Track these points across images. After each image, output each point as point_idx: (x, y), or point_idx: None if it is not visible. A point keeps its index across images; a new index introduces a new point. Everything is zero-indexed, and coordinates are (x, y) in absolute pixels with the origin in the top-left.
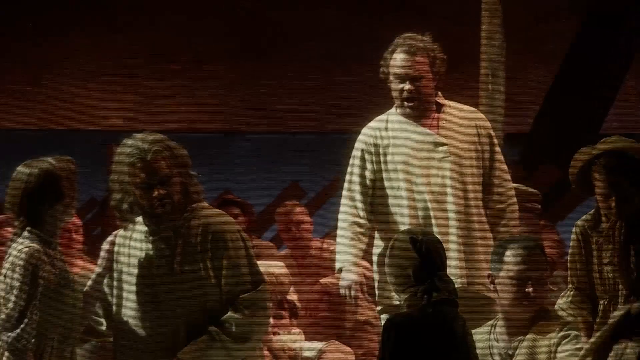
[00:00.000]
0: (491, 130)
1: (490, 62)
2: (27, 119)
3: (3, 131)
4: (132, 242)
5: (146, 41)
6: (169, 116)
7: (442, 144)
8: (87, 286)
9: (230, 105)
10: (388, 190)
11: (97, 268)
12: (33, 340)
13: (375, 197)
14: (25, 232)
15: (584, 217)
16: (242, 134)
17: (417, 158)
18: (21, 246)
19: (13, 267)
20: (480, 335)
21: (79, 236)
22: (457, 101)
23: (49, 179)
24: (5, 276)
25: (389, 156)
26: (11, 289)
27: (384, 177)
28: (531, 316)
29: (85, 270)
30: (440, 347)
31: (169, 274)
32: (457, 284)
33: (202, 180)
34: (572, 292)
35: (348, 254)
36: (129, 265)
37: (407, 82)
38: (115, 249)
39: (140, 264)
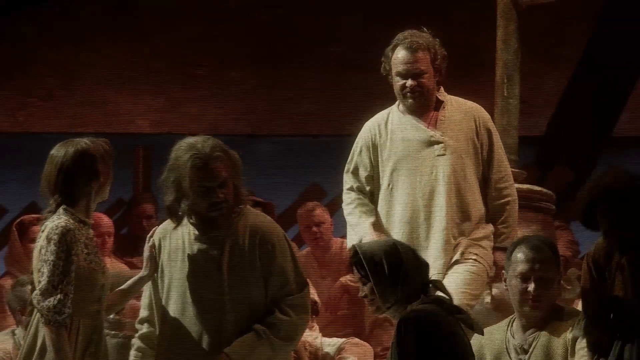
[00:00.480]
0: (491, 126)
1: (506, 67)
2: (57, 122)
3: (34, 135)
4: (174, 241)
5: (172, 47)
6: (194, 119)
7: (438, 142)
8: (126, 285)
9: (253, 108)
10: (382, 187)
11: (142, 271)
12: (69, 315)
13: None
14: (60, 209)
15: (594, 246)
16: (265, 137)
17: (411, 156)
18: (57, 221)
19: (48, 240)
20: (498, 331)
21: (110, 241)
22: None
23: (84, 158)
24: (40, 248)
25: (385, 153)
26: (45, 261)
27: (380, 173)
28: (543, 314)
29: (112, 268)
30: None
31: (216, 273)
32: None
33: None
34: (584, 321)
35: (363, 226)
36: (170, 263)
37: (409, 79)
38: (156, 250)
39: (186, 263)
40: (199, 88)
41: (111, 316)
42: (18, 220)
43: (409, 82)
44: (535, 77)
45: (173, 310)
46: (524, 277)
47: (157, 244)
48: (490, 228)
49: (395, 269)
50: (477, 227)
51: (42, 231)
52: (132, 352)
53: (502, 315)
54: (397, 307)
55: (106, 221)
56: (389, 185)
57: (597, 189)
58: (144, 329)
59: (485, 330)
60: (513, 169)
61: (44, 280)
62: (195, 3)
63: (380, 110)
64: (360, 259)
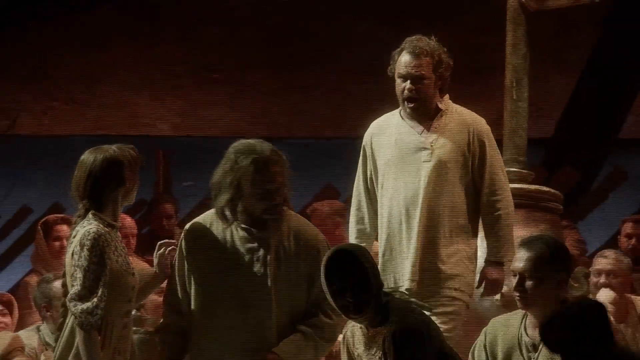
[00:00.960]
0: (487, 139)
1: (515, 71)
2: (80, 125)
3: (58, 137)
4: (214, 240)
5: (191, 52)
6: (213, 123)
7: (425, 148)
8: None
9: (270, 112)
10: (376, 189)
11: (158, 276)
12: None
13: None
14: (90, 215)
15: None
16: (281, 139)
17: (399, 159)
18: (88, 227)
19: (81, 246)
20: (512, 325)
21: (134, 241)
22: (482, 107)
23: (112, 165)
24: (73, 254)
25: (381, 156)
26: (79, 266)
27: (375, 176)
28: (545, 311)
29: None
30: None
31: (262, 274)
32: (407, 285)
33: None
34: None
35: None
36: (211, 262)
37: (409, 82)
38: (189, 245)
39: (230, 262)
40: (217, 92)
41: (132, 312)
42: (43, 219)
43: (408, 85)
44: (543, 81)
45: (211, 310)
46: (513, 273)
47: (186, 244)
48: (473, 243)
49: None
50: (452, 238)
51: (74, 237)
52: (159, 345)
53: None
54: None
55: (129, 222)
56: (380, 187)
57: None
58: (169, 317)
59: (500, 319)
60: (522, 170)
61: (78, 285)
62: (214, 9)
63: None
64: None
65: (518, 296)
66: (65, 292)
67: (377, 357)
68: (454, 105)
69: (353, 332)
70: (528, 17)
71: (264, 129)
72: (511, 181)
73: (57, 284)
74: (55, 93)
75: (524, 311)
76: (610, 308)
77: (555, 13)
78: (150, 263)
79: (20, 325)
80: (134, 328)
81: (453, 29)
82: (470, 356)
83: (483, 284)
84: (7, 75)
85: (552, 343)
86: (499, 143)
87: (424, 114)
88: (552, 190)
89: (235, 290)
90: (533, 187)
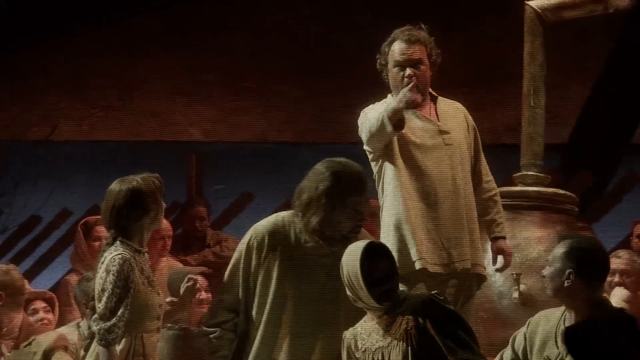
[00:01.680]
0: (474, 124)
1: (532, 79)
2: (117, 131)
3: (97, 142)
4: (286, 247)
5: (222, 62)
6: (242, 129)
7: (446, 132)
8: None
9: (297, 118)
10: (394, 169)
11: (183, 305)
12: (121, 335)
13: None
14: (117, 242)
15: None
16: (308, 144)
17: (425, 144)
18: (114, 253)
19: (107, 272)
20: (554, 317)
21: (170, 242)
22: (501, 113)
23: (135, 196)
24: (99, 278)
25: (393, 140)
26: (103, 290)
27: (384, 160)
28: (586, 306)
29: (169, 266)
30: None
31: (335, 290)
32: (467, 265)
33: (273, 186)
34: None
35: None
36: (283, 269)
37: (408, 68)
38: (260, 247)
39: (303, 273)
40: (247, 99)
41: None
42: (83, 220)
43: (408, 72)
44: (559, 89)
45: (281, 315)
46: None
47: (257, 246)
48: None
49: None
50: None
51: (102, 262)
52: (222, 354)
53: (529, 311)
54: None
55: (165, 224)
56: (402, 167)
57: None
58: (223, 316)
59: (546, 312)
60: (539, 174)
61: (102, 306)
62: (244, 20)
63: None
64: None
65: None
66: (93, 314)
67: (396, 347)
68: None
69: (355, 334)
70: (545, 28)
71: (291, 134)
72: (529, 184)
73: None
74: (94, 101)
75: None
76: (624, 306)
77: (571, 24)
78: (184, 262)
79: (61, 321)
80: (169, 325)
81: (473, 39)
82: (510, 341)
83: (498, 259)
84: (48, 84)
85: (575, 352)
86: (517, 148)
87: (422, 100)
88: (568, 193)
89: (307, 302)
90: (550, 190)
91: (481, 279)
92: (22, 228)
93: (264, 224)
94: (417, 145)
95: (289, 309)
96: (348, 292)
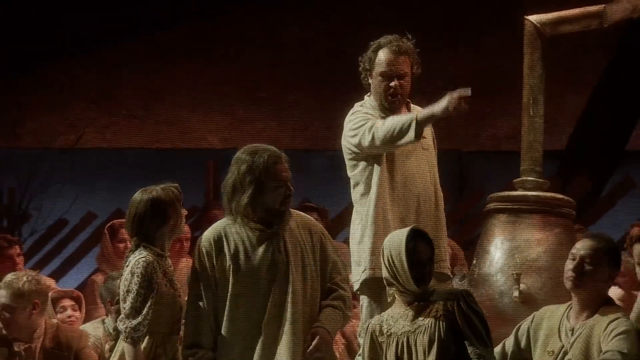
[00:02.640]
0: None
1: (532, 90)
2: (139, 139)
3: (120, 149)
4: (234, 242)
5: (238, 73)
6: (257, 136)
7: (423, 137)
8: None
9: (309, 126)
10: (379, 172)
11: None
12: (145, 333)
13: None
14: (141, 247)
15: None
16: (319, 151)
17: (406, 147)
18: (138, 257)
19: (132, 274)
20: (558, 312)
21: (188, 244)
22: (502, 122)
23: (155, 206)
24: (124, 280)
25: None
26: (129, 291)
27: (362, 161)
28: (592, 300)
29: (187, 266)
30: None
31: (283, 265)
32: (444, 265)
33: None
34: None
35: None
36: (236, 264)
37: (394, 80)
38: (209, 253)
39: (253, 259)
40: (262, 109)
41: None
42: (109, 223)
43: (394, 83)
44: (557, 99)
45: (241, 309)
46: (574, 257)
47: (207, 253)
48: None
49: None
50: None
51: (127, 266)
52: None
53: (529, 309)
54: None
55: (185, 228)
56: (380, 169)
57: None
58: (207, 345)
59: (551, 307)
60: (538, 179)
61: (128, 306)
62: (259, 35)
63: None
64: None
65: (573, 277)
66: (119, 315)
67: (423, 331)
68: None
69: (381, 320)
70: (544, 41)
71: (304, 141)
72: (528, 189)
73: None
74: (117, 111)
75: (569, 303)
76: (618, 304)
77: (568, 37)
78: None
79: (87, 318)
80: None
81: (476, 51)
82: (514, 331)
83: None
84: (75, 95)
85: None
86: (517, 155)
87: (400, 106)
88: (566, 198)
89: (263, 287)
90: (549, 194)
91: (445, 277)
92: (50, 230)
93: (206, 233)
94: (400, 149)
95: (241, 309)
96: (385, 274)
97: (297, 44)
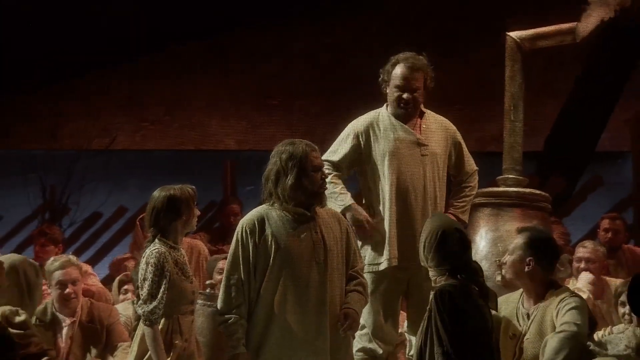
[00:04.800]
0: (459, 137)
1: (512, 97)
2: (163, 142)
3: (147, 151)
4: (275, 239)
5: (253, 82)
6: (269, 139)
7: (424, 144)
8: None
9: (316, 131)
10: (370, 174)
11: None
12: (161, 316)
13: (364, 177)
14: (156, 240)
15: None
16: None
17: (402, 152)
18: (152, 248)
19: (147, 263)
20: (512, 300)
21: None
22: (486, 125)
23: (171, 202)
24: (141, 269)
25: (379, 146)
26: (145, 279)
27: (372, 162)
28: (542, 287)
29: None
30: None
31: (321, 250)
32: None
33: None
34: None
35: (346, 196)
36: (275, 257)
37: (406, 93)
38: (254, 239)
39: (293, 242)
40: (273, 114)
41: (207, 290)
42: (140, 216)
43: (406, 95)
44: (535, 106)
45: (281, 292)
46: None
47: (250, 230)
48: None
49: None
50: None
51: (143, 257)
52: (238, 336)
53: (509, 291)
54: (437, 273)
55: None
56: (382, 172)
57: None
58: (240, 313)
59: (504, 297)
60: (518, 177)
61: (145, 292)
62: (271, 47)
63: None
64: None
65: (501, 275)
66: (138, 300)
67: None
68: (426, 109)
69: None
70: (523, 54)
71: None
72: (510, 186)
73: None
74: (145, 116)
75: (521, 290)
76: (589, 288)
77: (545, 51)
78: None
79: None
80: (208, 303)
81: (464, 63)
82: None
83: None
84: (107, 102)
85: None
86: (500, 155)
87: (412, 116)
88: (543, 193)
89: (296, 284)
90: (527, 190)
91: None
92: (86, 222)
93: (248, 215)
94: (394, 154)
95: (280, 291)
96: (422, 253)
97: (304, 56)
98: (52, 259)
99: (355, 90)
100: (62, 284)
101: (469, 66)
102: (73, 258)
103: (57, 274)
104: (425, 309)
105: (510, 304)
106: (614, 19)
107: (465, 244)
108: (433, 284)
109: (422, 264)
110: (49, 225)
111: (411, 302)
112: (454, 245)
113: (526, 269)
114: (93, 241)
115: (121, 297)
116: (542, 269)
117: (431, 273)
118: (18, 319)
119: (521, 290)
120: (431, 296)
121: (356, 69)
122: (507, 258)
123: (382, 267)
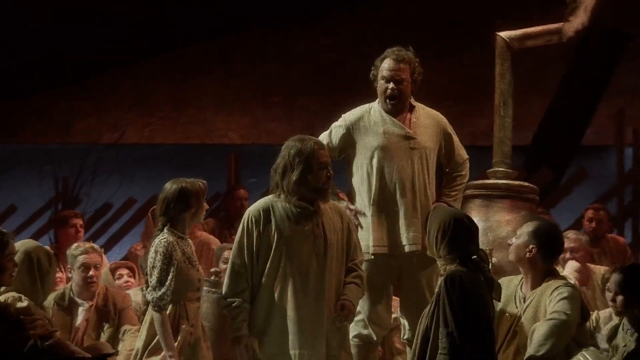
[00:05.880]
0: (450, 130)
1: (502, 94)
2: (172, 136)
3: (155, 145)
4: (279, 228)
5: (256, 81)
6: (270, 134)
7: (412, 138)
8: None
9: (315, 127)
10: (359, 165)
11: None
12: (169, 302)
13: (353, 169)
14: (165, 229)
15: None
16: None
17: (390, 145)
18: (161, 237)
19: (155, 252)
20: (513, 282)
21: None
22: (477, 121)
23: (181, 194)
24: (150, 258)
25: (368, 139)
26: (154, 267)
27: (361, 155)
28: (540, 275)
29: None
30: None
31: (322, 243)
32: (414, 248)
33: None
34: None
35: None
36: (279, 247)
37: (391, 83)
38: (259, 228)
39: (295, 233)
40: (275, 111)
41: (212, 277)
42: (153, 207)
43: (391, 86)
44: (524, 102)
45: (281, 282)
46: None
47: (256, 219)
48: None
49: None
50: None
51: (153, 245)
52: (242, 318)
53: (499, 277)
54: (447, 262)
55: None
56: (370, 164)
57: None
58: (244, 297)
59: (506, 279)
60: (507, 170)
61: (153, 279)
62: (274, 49)
63: None
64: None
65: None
66: (147, 287)
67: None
68: (418, 103)
69: None
70: (512, 53)
71: None
72: (499, 178)
73: None
74: (153, 112)
75: (522, 275)
76: (575, 275)
77: (533, 50)
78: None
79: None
80: (213, 289)
81: (457, 62)
82: None
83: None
84: (118, 100)
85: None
86: (490, 149)
87: (401, 109)
88: (531, 185)
89: (304, 268)
90: (516, 182)
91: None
92: (97, 213)
93: (255, 204)
94: (381, 147)
95: (280, 279)
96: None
97: (304, 56)
98: (75, 244)
99: (353, 89)
100: (86, 267)
101: (461, 65)
102: (95, 245)
103: (81, 258)
104: (416, 294)
105: (511, 287)
106: (595, 22)
107: (474, 232)
108: (442, 272)
109: (428, 254)
110: (71, 209)
111: (403, 286)
112: (464, 233)
113: (527, 255)
114: (104, 231)
115: (117, 282)
116: (543, 258)
117: (440, 262)
118: (20, 304)
119: (521, 275)
120: (440, 280)
121: (354, 69)
122: (513, 240)
123: (372, 254)
